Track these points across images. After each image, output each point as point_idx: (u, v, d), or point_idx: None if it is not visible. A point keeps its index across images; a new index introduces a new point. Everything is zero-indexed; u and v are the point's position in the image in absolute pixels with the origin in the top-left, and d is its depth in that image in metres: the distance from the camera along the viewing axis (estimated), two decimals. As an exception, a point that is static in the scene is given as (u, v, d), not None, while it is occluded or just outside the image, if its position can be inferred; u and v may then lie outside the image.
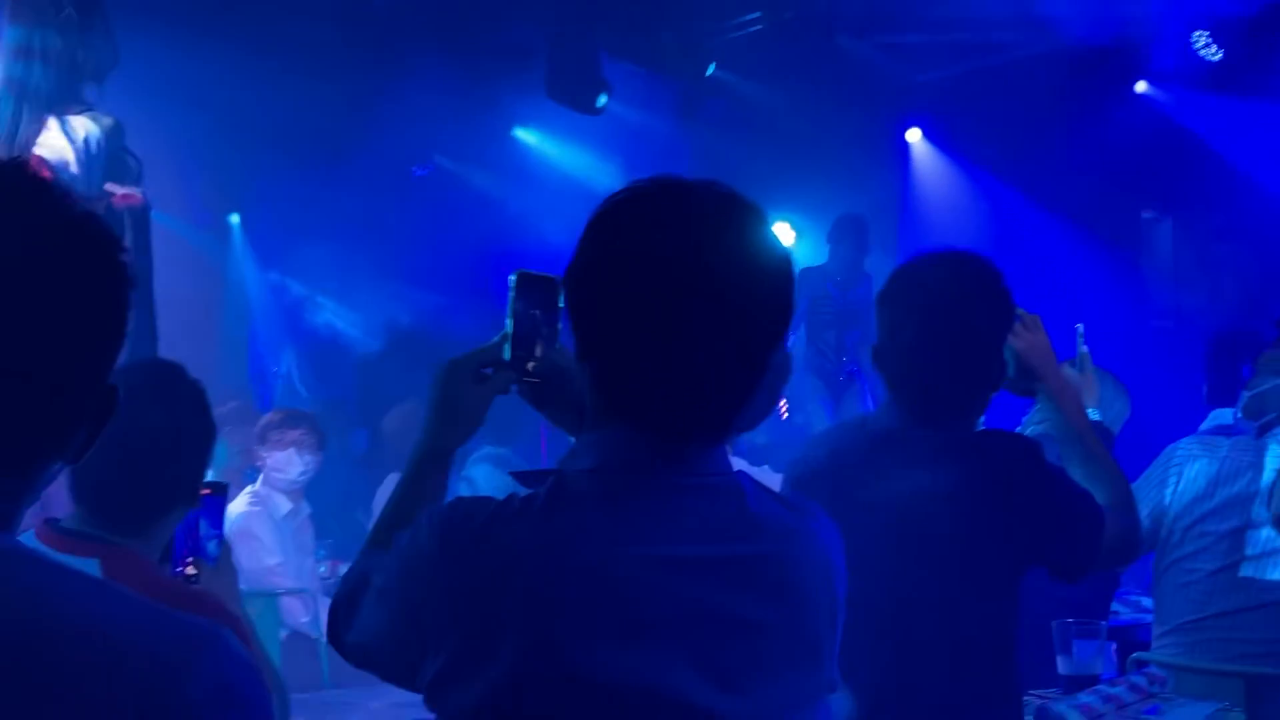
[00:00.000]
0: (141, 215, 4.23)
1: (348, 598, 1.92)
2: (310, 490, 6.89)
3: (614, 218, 1.80)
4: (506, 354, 2.14)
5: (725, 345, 1.75)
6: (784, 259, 1.81)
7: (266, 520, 6.45)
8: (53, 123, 4.24)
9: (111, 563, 2.67)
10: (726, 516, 1.79)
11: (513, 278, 2.13)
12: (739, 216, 1.79)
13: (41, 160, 4.10)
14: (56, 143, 4.22)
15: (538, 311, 2.14)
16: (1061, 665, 3.36)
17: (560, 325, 2.16)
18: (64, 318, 1.32)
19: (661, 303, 1.73)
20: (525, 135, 10.34)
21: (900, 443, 2.87)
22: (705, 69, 8.68)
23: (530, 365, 2.14)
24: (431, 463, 2.14)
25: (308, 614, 6.37)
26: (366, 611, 1.85)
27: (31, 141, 4.20)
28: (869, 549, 2.74)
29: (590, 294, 1.80)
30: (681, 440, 1.79)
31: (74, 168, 4.19)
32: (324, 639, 5.96)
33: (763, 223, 1.81)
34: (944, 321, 2.87)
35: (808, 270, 8.83)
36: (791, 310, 1.82)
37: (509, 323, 2.13)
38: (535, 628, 1.67)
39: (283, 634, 6.34)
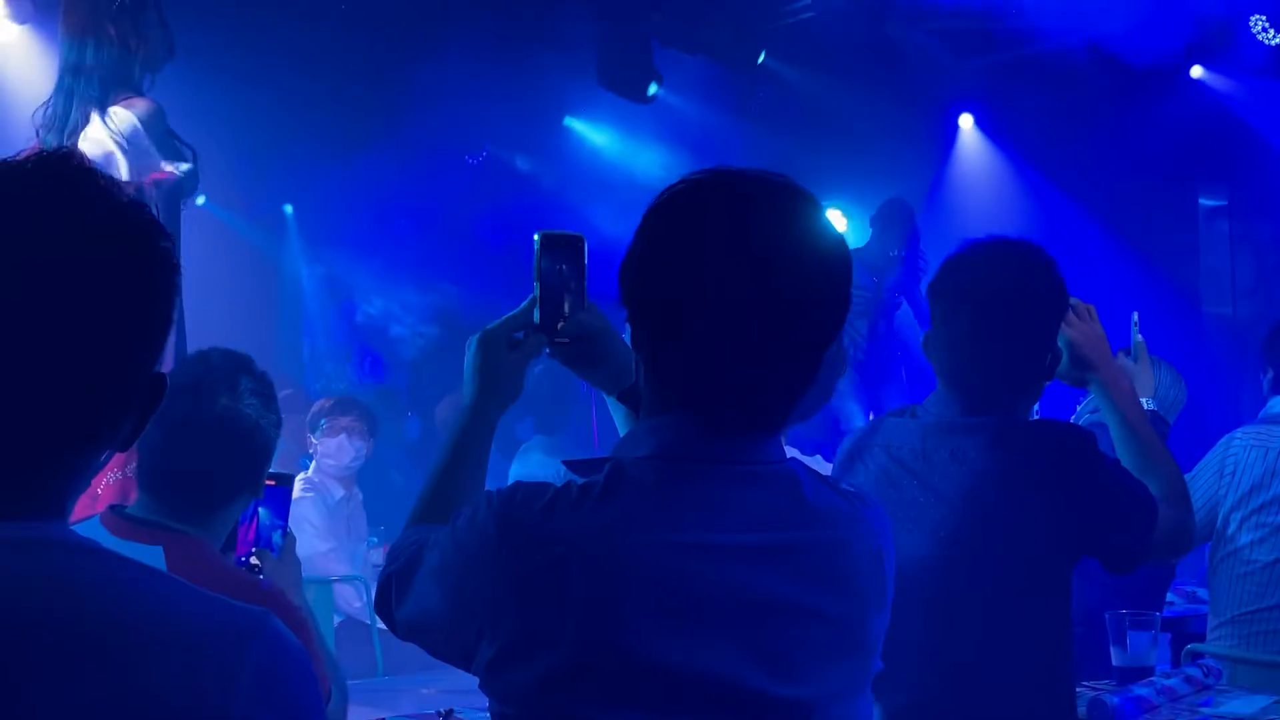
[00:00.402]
0: (172, 192, 4.24)
1: (399, 573, 1.93)
2: (363, 477, 6.94)
3: (672, 209, 1.81)
4: (536, 317, 2.13)
5: (783, 336, 1.76)
6: (841, 249, 1.82)
7: (320, 506, 6.49)
8: (95, 116, 4.27)
9: (174, 550, 2.70)
10: (782, 504, 1.79)
11: (537, 238, 2.12)
12: (796, 206, 1.80)
13: (83, 155, 4.12)
14: (98, 135, 4.26)
15: (564, 269, 2.13)
16: (1115, 657, 3.34)
17: (587, 284, 2.16)
18: (109, 305, 1.33)
19: (720, 294, 1.74)
20: (577, 124, 10.34)
21: (952, 432, 2.86)
22: (756, 57, 8.65)
23: (560, 326, 2.13)
24: (473, 432, 2.14)
25: (360, 600, 6.42)
26: (420, 589, 1.86)
27: (80, 129, 4.24)
28: (920, 538, 2.76)
29: (649, 285, 1.80)
30: (739, 430, 1.80)
31: (118, 158, 4.22)
32: (377, 625, 6.03)
33: (819, 212, 1.82)
34: (996, 311, 2.85)
35: None
36: (848, 301, 1.82)
37: (536, 285, 2.13)
38: (594, 613, 1.69)
39: (336, 620, 6.39)
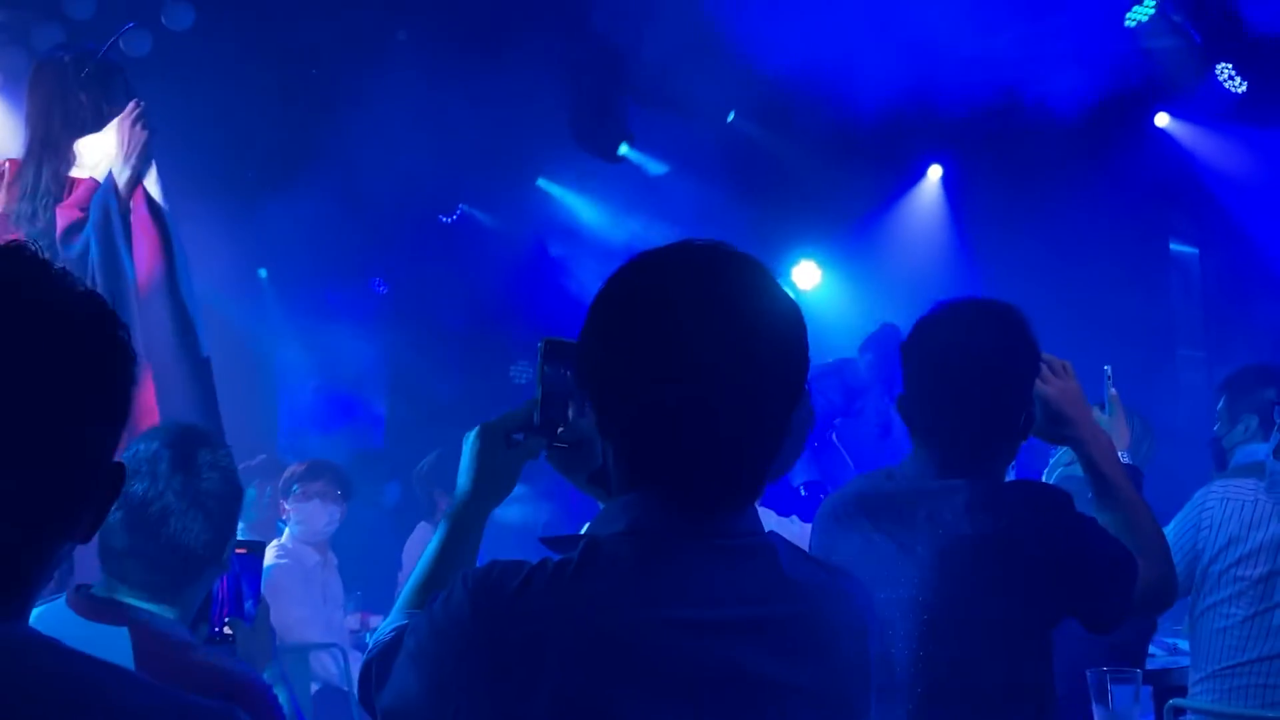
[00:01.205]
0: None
1: (380, 659, 1.91)
2: (340, 542, 6.89)
3: (621, 291, 1.82)
4: (536, 419, 2.15)
5: (746, 406, 1.75)
6: (796, 316, 1.81)
7: (296, 572, 6.45)
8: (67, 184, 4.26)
9: (140, 633, 2.67)
10: (759, 578, 1.78)
11: (541, 345, 2.15)
12: (749, 277, 1.79)
13: (36, 247, 4.13)
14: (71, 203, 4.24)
15: (567, 375, 2.15)
16: (1098, 714, 3.32)
17: None
18: (63, 396, 1.32)
19: (679, 370, 1.73)
20: (549, 185, 10.38)
21: (928, 495, 2.86)
22: (726, 115, 8.69)
23: (559, 430, 2.16)
24: (465, 524, 2.15)
25: (337, 667, 6.37)
26: (398, 675, 1.84)
27: (53, 198, 4.22)
28: (899, 601, 2.75)
29: (606, 367, 1.80)
30: (711, 502, 1.79)
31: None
32: (354, 692, 5.98)
33: (772, 281, 1.82)
34: (969, 372, 2.85)
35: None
36: (807, 365, 1.82)
37: (538, 389, 2.15)
38: (570, 693, 1.67)
39: (314, 688, 6.34)
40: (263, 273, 10.99)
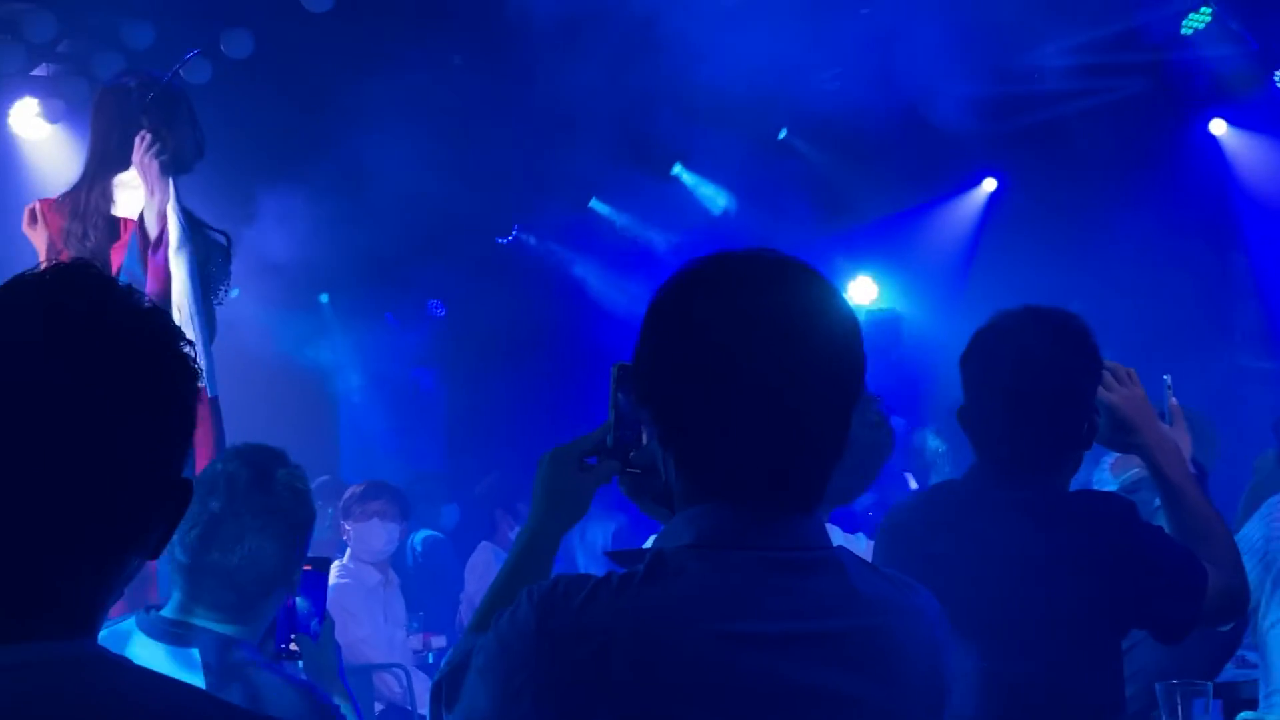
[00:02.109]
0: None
1: (449, 678, 1.92)
2: (401, 562, 6.93)
3: (676, 301, 1.81)
4: (609, 443, 2.15)
5: (805, 411, 1.75)
6: (850, 316, 1.81)
7: (357, 591, 6.49)
8: (114, 199, 4.30)
9: (209, 653, 2.69)
10: (827, 591, 1.77)
11: (614, 369, 2.15)
12: (803, 283, 1.80)
13: (99, 267, 4.18)
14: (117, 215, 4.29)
15: (631, 402, 2.16)
16: (1167, 726, 3.28)
17: None
18: (129, 412, 1.32)
19: (737, 378, 1.73)
20: (601, 206, 10.41)
21: (993, 506, 2.84)
22: (778, 132, 8.68)
23: (631, 455, 2.16)
24: (536, 547, 2.15)
25: (401, 687, 6.39)
26: (468, 692, 1.85)
27: (102, 221, 4.26)
28: (965, 613, 2.73)
29: (664, 379, 1.80)
30: (775, 512, 1.78)
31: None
32: (417, 712, 6.01)
33: (827, 286, 1.81)
34: (1030, 382, 2.83)
35: None
36: (864, 370, 1.81)
37: (611, 413, 2.15)
38: (637, 705, 1.67)
39: (378, 708, 6.37)
40: (324, 298, 11.09)
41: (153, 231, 4.23)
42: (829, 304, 1.80)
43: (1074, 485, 3.03)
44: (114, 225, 4.31)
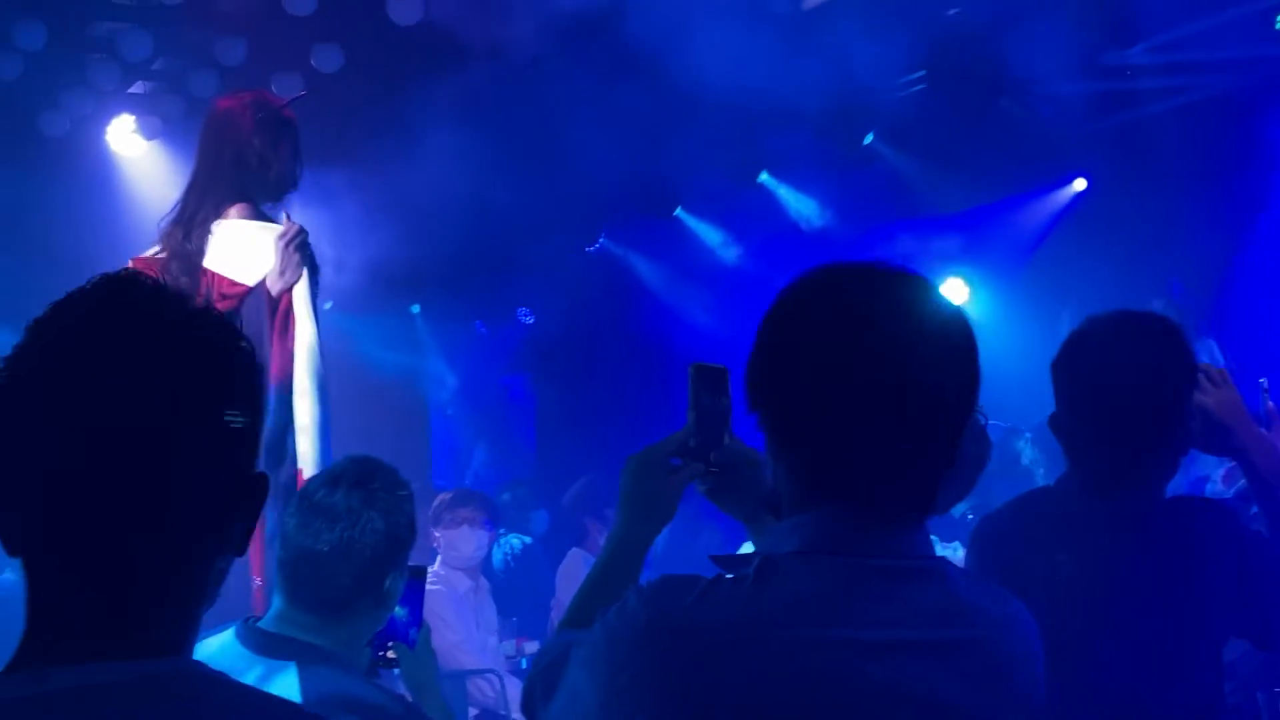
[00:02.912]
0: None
1: (544, 673, 1.94)
2: (491, 568, 6.98)
3: (794, 307, 1.83)
4: (692, 444, 2.17)
5: (918, 420, 1.76)
6: (965, 327, 1.82)
7: (449, 598, 6.53)
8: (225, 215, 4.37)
9: (307, 668, 2.72)
10: (934, 601, 1.78)
11: (691, 370, 2.17)
12: (915, 291, 1.81)
13: (148, 274, 4.24)
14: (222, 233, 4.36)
15: (716, 400, 2.17)
16: (1268, 735, 3.24)
17: (731, 416, 2.19)
18: (195, 414, 1.33)
19: (851, 385, 1.74)
20: (687, 216, 10.43)
21: (1088, 516, 2.81)
22: (864, 137, 8.65)
23: (712, 455, 2.17)
24: (626, 552, 2.17)
25: (494, 691, 6.43)
26: (568, 685, 1.87)
27: (205, 233, 4.34)
28: (1061, 623, 2.71)
29: (779, 384, 1.81)
30: (884, 520, 1.79)
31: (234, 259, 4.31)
32: (511, 717, 6.04)
33: (938, 294, 1.83)
34: (1124, 386, 2.79)
35: None
36: (979, 382, 1.82)
37: (691, 414, 2.16)
38: (741, 705, 1.68)
39: (472, 713, 6.41)
40: (415, 308, 11.20)
41: (276, 294, 4.29)
42: (946, 316, 1.81)
43: (1171, 490, 2.99)
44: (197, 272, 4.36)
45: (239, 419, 1.37)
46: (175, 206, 4.42)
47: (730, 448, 2.18)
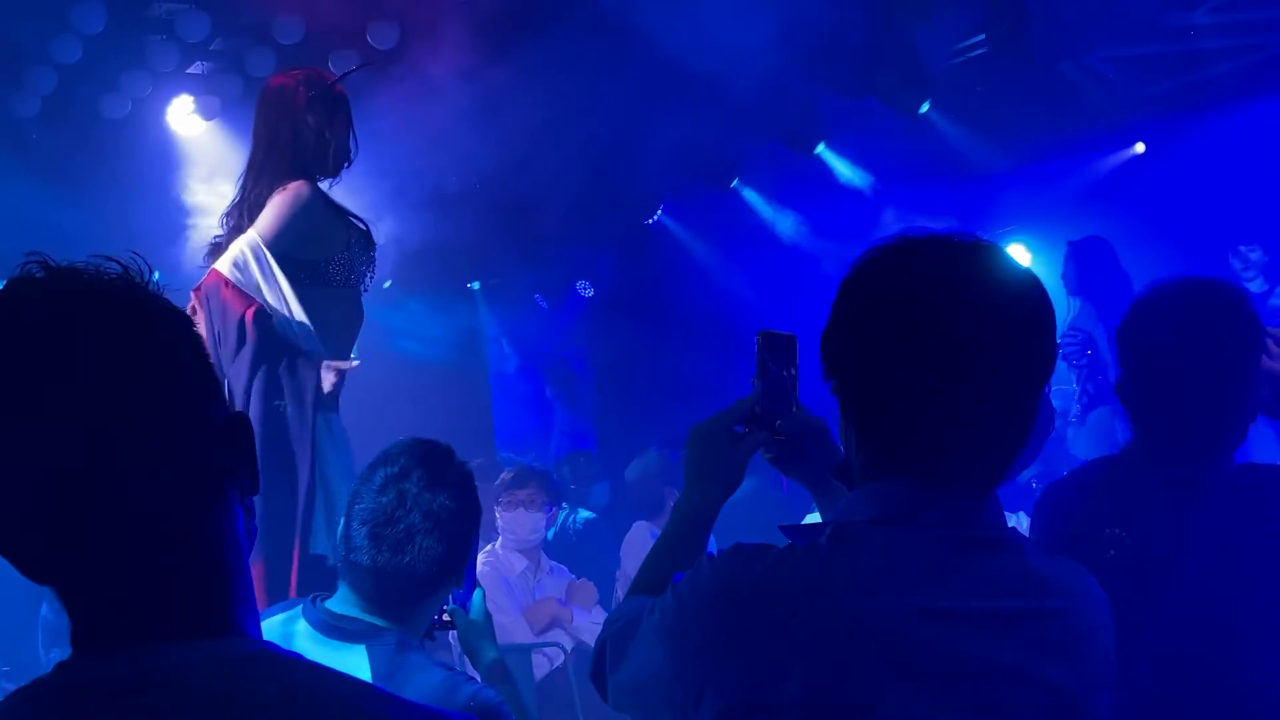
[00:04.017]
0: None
1: (615, 639, 1.96)
2: (559, 543, 6.98)
3: (871, 277, 1.83)
4: (758, 410, 2.18)
5: (996, 391, 1.76)
6: (1042, 298, 1.82)
7: (498, 580, 6.54)
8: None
9: (376, 650, 2.75)
10: (1007, 571, 1.79)
11: (759, 337, 2.18)
12: (993, 261, 1.81)
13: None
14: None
15: (782, 368, 2.17)
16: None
17: (798, 384, 2.20)
18: (154, 378, 1.31)
19: (930, 354, 1.75)
20: (744, 190, 10.39)
21: (1154, 485, 2.79)
22: (921, 105, 8.57)
23: (778, 423, 2.18)
24: (694, 521, 2.18)
25: (558, 663, 6.46)
26: (639, 651, 1.89)
27: (256, 211, 4.36)
28: (1126, 595, 2.69)
29: (856, 353, 1.82)
30: (958, 491, 1.80)
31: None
32: (575, 687, 6.07)
33: (1015, 265, 1.83)
34: (1191, 353, 2.77)
35: None
36: (1055, 349, 1.82)
37: (758, 382, 2.17)
38: (822, 678, 1.69)
39: (538, 675, 6.45)
40: (475, 284, 11.24)
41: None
42: (1022, 286, 1.81)
43: (1240, 458, 2.95)
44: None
45: (183, 374, 1.35)
46: (237, 189, 4.46)
47: (797, 416, 2.19)
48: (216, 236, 4.46)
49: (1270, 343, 2.88)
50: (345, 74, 4.58)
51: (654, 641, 1.85)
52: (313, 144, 4.39)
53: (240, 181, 4.46)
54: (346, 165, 4.51)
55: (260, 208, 4.32)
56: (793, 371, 2.20)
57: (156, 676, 1.28)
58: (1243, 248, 7.97)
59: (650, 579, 2.11)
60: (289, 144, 4.38)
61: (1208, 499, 2.72)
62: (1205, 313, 2.80)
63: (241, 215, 4.38)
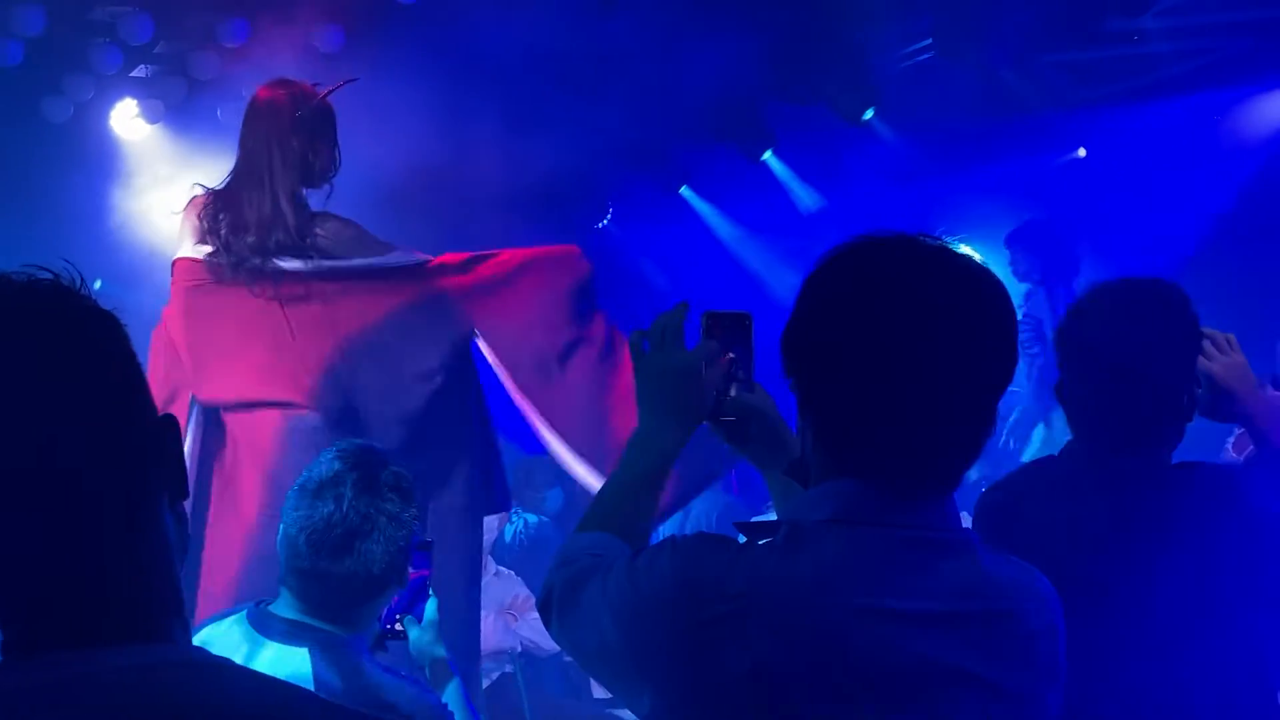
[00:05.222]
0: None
1: (569, 582, 1.95)
2: (505, 547, 6.95)
3: (832, 276, 1.83)
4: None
5: (955, 393, 1.77)
6: (1006, 306, 1.82)
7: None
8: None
9: (320, 654, 2.73)
10: (959, 573, 1.79)
11: (704, 319, 2.17)
12: (961, 268, 1.81)
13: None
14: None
15: (730, 348, 2.16)
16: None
17: (754, 362, 2.18)
18: (81, 380, 1.31)
19: (888, 356, 1.75)
20: (690, 195, 10.41)
21: (1085, 482, 2.81)
22: (864, 111, 8.59)
23: (725, 404, 2.17)
24: (654, 457, 2.14)
25: (510, 666, 6.44)
26: (587, 611, 1.89)
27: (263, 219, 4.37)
28: (1071, 592, 2.70)
29: (815, 352, 1.82)
30: (914, 492, 1.80)
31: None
32: (525, 698, 6.05)
33: (979, 267, 1.83)
34: (1127, 358, 2.80)
35: None
36: (1016, 351, 1.82)
37: (701, 364, 2.15)
38: (771, 673, 1.70)
39: (485, 682, 6.44)
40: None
41: None
42: (987, 291, 1.81)
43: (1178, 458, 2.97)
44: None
45: (122, 373, 1.35)
46: (215, 193, 4.46)
47: (742, 398, 2.18)
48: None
49: (1208, 344, 2.91)
50: (331, 89, 4.57)
51: (605, 613, 1.85)
52: (298, 165, 4.41)
53: (225, 185, 4.46)
54: (333, 175, 4.55)
55: (245, 221, 4.33)
56: (743, 349, 2.17)
57: (77, 684, 1.25)
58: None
59: (609, 515, 2.09)
60: (278, 162, 4.38)
61: (1145, 498, 2.75)
62: (1142, 313, 2.83)
63: (217, 217, 4.37)
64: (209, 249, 4.36)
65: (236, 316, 4.30)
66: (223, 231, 4.37)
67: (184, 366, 4.29)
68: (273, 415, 4.22)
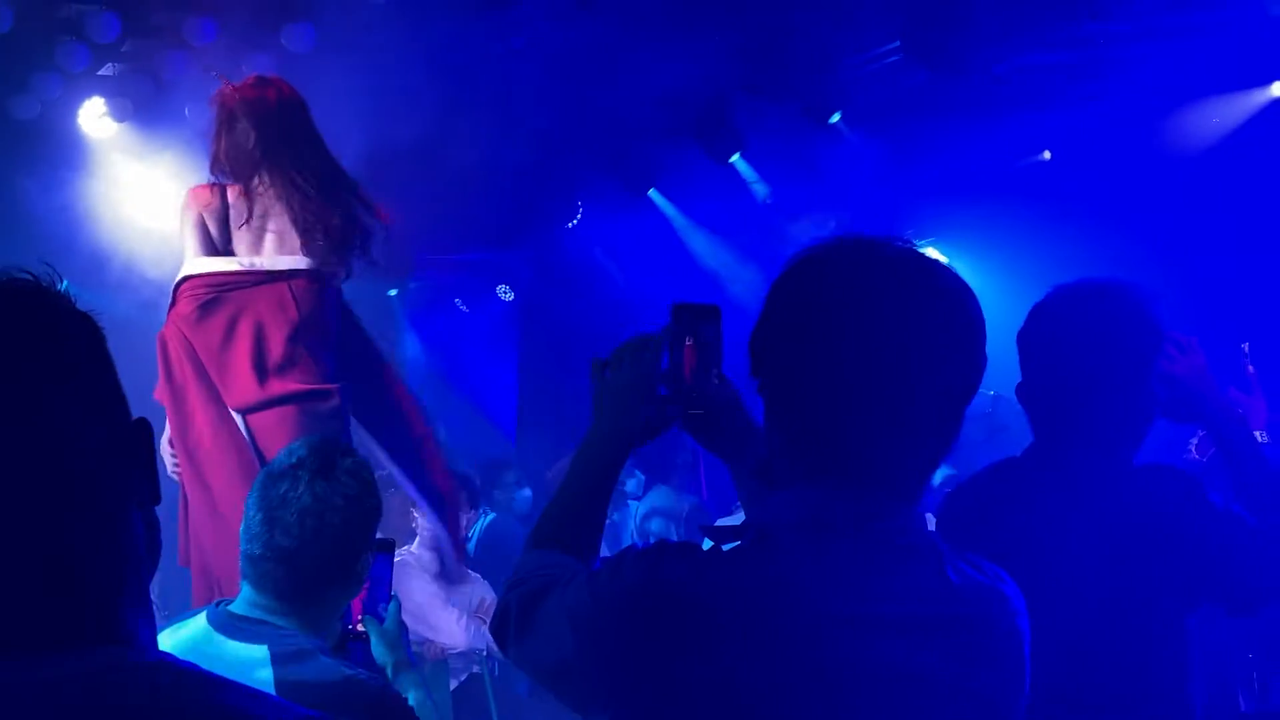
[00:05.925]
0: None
1: (524, 600, 1.94)
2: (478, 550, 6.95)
3: (801, 278, 1.83)
4: (663, 390, 2.16)
5: (922, 404, 1.76)
6: (976, 315, 1.81)
7: (409, 575, 6.53)
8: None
9: (278, 651, 2.73)
10: (926, 578, 1.79)
11: (672, 309, 2.16)
12: (930, 271, 1.80)
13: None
14: None
15: (697, 341, 2.15)
16: (1244, 702, 3.25)
17: (722, 355, 2.18)
18: (51, 380, 1.31)
19: (855, 360, 1.75)
20: (658, 198, 10.42)
21: (1042, 483, 2.82)
22: (830, 115, 8.61)
23: (695, 397, 2.16)
24: (602, 465, 2.15)
25: (478, 667, 6.44)
26: (544, 627, 1.88)
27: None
28: (1027, 593, 2.71)
29: (781, 355, 1.81)
30: (880, 497, 1.79)
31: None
32: (492, 702, 6.06)
33: (947, 272, 1.82)
34: (1086, 359, 2.80)
35: None
36: (984, 364, 1.82)
37: (666, 357, 2.15)
38: (734, 676, 1.69)
39: (454, 684, 6.44)
40: (392, 292, 11.16)
41: None
42: (956, 296, 1.80)
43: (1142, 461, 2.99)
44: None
45: (98, 377, 1.35)
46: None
47: (707, 392, 2.17)
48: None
49: (1170, 346, 2.92)
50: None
51: (565, 627, 1.83)
52: (275, 154, 4.39)
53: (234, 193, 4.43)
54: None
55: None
56: (711, 342, 2.16)
57: (36, 688, 1.25)
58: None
59: (558, 530, 2.08)
60: (260, 153, 4.37)
61: (1106, 499, 2.75)
62: (1102, 314, 2.84)
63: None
64: (229, 265, 4.31)
65: (253, 319, 4.28)
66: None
67: (203, 375, 4.25)
68: (299, 407, 4.25)
